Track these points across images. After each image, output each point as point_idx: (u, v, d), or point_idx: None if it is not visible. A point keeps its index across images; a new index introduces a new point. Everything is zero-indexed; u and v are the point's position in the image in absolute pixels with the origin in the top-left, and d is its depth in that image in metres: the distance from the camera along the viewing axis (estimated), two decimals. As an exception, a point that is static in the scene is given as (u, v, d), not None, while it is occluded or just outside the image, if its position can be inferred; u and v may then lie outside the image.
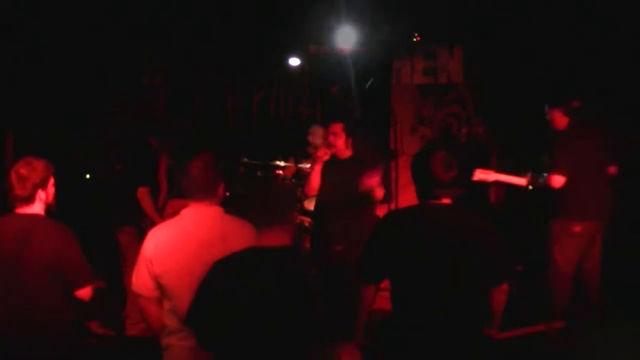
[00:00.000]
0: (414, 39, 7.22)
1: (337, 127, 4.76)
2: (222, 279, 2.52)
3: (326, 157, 4.73)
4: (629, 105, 5.94)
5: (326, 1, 6.44)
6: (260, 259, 2.53)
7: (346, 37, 6.72)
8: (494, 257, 2.99)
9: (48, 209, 3.33)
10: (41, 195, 3.26)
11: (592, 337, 4.70)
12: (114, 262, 5.55)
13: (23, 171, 3.22)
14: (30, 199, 3.24)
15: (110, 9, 6.26)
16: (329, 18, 6.58)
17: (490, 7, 6.39)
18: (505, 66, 6.79)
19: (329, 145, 4.75)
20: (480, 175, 4.81)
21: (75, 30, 6.31)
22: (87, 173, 7.16)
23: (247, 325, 2.44)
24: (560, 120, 4.89)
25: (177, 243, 2.93)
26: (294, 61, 7.56)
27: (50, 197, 3.33)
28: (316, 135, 6.43)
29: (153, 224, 4.82)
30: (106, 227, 5.47)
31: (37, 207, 3.26)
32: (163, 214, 5.35)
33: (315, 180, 4.79)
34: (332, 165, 4.77)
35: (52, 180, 3.33)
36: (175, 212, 3.11)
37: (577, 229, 4.80)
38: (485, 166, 5.04)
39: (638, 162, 5.51)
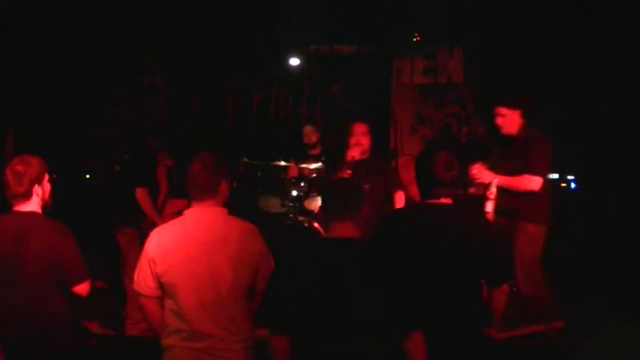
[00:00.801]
0: (414, 39, 7.22)
1: (364, 128, 4.98)
2: (297, 268, 2.66)
3: (357, 158, 4.88)
4: (628, 105, 5.95)
5: (326, 1, 6.45)
6: (332, 248, 2.68)
7: (346, 37, 6.72)
8: (493, 257, 2.99)
9: (45, 206, 3.34)
10: (38, 190, 3.27)
11: (592, 337, 4.71)
12: (114, 262, 5.56)
13: (19, 168, 3.23)
14: (27, 195, 3.24)
15: (110, 9, 6.25)
16: (329, 18, 6.58)
17: (490, 7, 6.39)
18: (505, 66, 6.79)
19: (357, 144, 4.89)
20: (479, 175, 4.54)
21: (75, 30, 6.31)
22: (87, 173, 7.17)
23: (321, 313, 2.56)
24: (517, 122, 4.65)
25: (180, 243, 2.93)
26: (294, 61, 7.56)
27: (47, 194, 3.34)
28: (310, 134, 6.47)
29: (153, 224, 4.82)
30: (106, 227, 5.47)
31: (34, 204, 3.27)
32: (163, 214, 5.35)
33: None
34: (358, 167, 4.90)
35: (47, 177, 3.34)
36: (175, 212, 3.11)
37: (544, 233, 4.67)
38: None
39: (638, 164, 5.53)
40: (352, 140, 4.96)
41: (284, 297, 2.62)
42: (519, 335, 4.73)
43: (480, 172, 4.48)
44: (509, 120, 4.63)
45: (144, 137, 5.58)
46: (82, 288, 3.29)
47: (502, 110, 4.62)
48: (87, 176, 7.17)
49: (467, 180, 4.51)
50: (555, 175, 6.98)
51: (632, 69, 5.88)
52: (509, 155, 4.61)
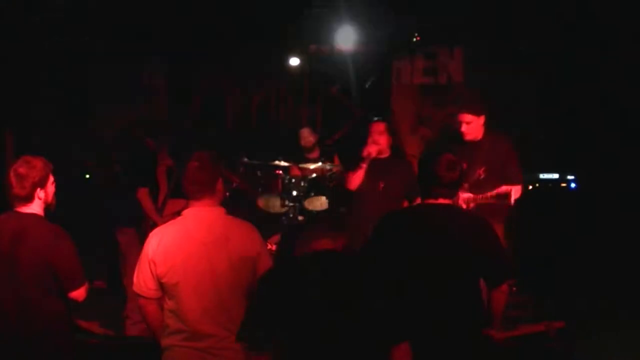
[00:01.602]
0: (414, 39, 7.21)
1: (382, 126, 5.01)
2: (282, 280, 2.58)
3: (374, 155, 4.91)
4: (629, 105, 5.95)
5: (326, 1, 6.44)
6: (318, 261, 2.57)
7: (346, 37, 6.71)
8: (492, 257, 2.99)
9: (48, 208, 3.32)
10: (40, 194, 3.25)
11: (592, 337, 4.71)
12: (114, 262, 5.56)
13: (22, 170, 3.21)
14: (29, 198, 3.23)
15: (111, 8, 6.25)
16: (329, 18, 6.58)
17: (490, 7, 6.39)
18: (505, 66, 6.79)
19: (374, 142, 4.93)
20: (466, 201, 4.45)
21: (75, 30, 6.31)
22: (87, 173, 7.17)
23: (305, 326, 2.47)
24: (482, 128, 4.64)
25: (180, 243, 2.93)
26: (294, 61, 7.55)
27: (50, 196, 3.31)
28: (306, 137, 6.48)
29: (154, 224, 4.83)
30: (106, 227, 5.47)
31: (35, 207, 3.25)
32: (163, 214, 5.35)
33: (359, 177, 4.93)
34: (374, 164, 4.92)
35: (51, 179, 3.31)
36: (175, 213, 3.11)
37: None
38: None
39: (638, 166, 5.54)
40: (370, 139, 4.99)
41: (267, 311, 2.55)
42: (519, 335, 4.74)
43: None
44: (474, 127, 4.60)
45: (144, 137, 5.58)
46: (79, 294, 3.27)
47: (467, 117, 4.59)
48: (87, 176, 7.17)
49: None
50: (556, 175, 6.98)
51: (632, 69, 5.88)
52: (475, 161, 4.54)
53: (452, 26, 6.84)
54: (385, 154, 5.04)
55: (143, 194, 5.22)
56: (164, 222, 3.29)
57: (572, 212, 6.47)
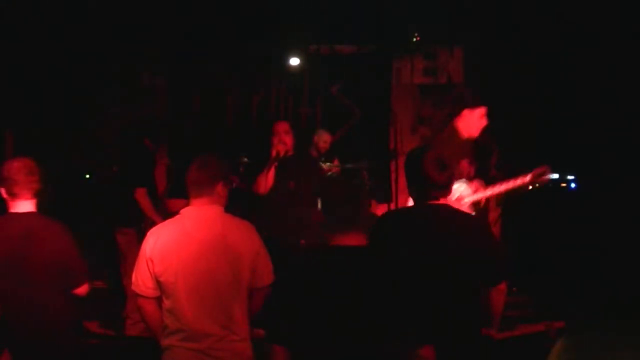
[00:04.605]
0: (414, 39, 7.21)
1: (287, 126, 5.10)
2: (303, 276, 2.59)
3: (282, 154, 4.94)
4: (628, 106, 5.94)
5: (326, 1, 6.44)
6: (340, 257, 2.58)
7: (346, 37, 6.71)
8: (490, 257, 2.99)
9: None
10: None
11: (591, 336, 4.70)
12: (114, 262, 5.56)
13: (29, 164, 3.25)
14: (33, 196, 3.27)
15: (111, 8, 6.26)
16: (329, 18, 6.58)
17: (491, 7, 6.39)
18: (505, 66, 6.79)
19: (280, 142, 4.97)
20: (468, 199, 4.46)
21: (75, 30, 6.31)
22: (86, 173, 7.17)
23: (324, 323, 2.47)
24: None
25: (178, 242, 2.94)
26: (294, 61, 7.55)
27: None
28: (321, 138, 6.48)
29: (153, 224, 4.82)
30: (106, 227, 5.47)
31: (33, 205, 3.28)
32: (162, 214, 5.34)
33: (270, 179, 4.96)
34: (282, 164, 4.96)
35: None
36: (175, 212, 3.11)
37: None
38: (486, 166, 4.97)
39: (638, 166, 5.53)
40: (276, 139, 5.01)
41: (288, 306, 2.56)
42: (519, 335, 4.74)
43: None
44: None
45: (142, 137, 5.57)
46: (83, 289, 3.32)
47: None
48: (87, 176, 7.17)
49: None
50: (555, 175, 6.97)
51: (632, 69, 5.87)
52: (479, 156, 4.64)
53: (452, 26, 6.84)
54: (290, 153, 5.05)
55: (142, 194, 5.22)
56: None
57: (572, 212, 6.46)
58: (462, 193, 4.40)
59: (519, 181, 4.35)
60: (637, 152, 5.86)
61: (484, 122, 4.62)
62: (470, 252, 2.92)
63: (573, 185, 7.30)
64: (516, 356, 4.63)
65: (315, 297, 2.50)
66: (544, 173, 4.22)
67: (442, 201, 3.00)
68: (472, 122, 4.60)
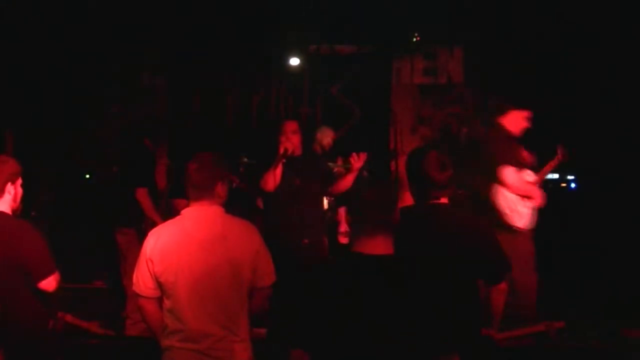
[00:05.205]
0: (414, 39, 7.21)
1: (295, 125, 5.08)
2: (329, 283, 2.44)
3: (289, 152, 4.90)
4: (628, 106, 5.95)
5: (326, 1, 6.44)
6: (368, 265, 2.44)
7: (346, 37, 6.72)
8: (488, 255, 2.99)
9: (14, 211, 3.36)
10: (10, 189, 3.30)
11: (591, 337, 4.71)
12: (114, 262, 5.56)
13: None
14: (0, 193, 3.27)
15: (111, 8, 6.26)
16: (329, 18, 6.58)
17: (491, 7, 6.39)
18: (505, 66, 6.79)
19: (288, 141, 4.93)
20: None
21: (75, 30, 6.31)
22: (86, 173, 7.17)
23: (352, 331, 2.35)
24: None
25: (178, 242, 2.93)
26: (294, 61, 7.55)
27: (18, 198, 3.36)
28: (325, 135, 6.48)
29: (153, 224, 4.82)
30: (106, 227, 5.47)
31: (4, 204, 3.29)
32: (163, 214, 5.34)
33: (278, 176, 4.91)
34: (288, 163, 4.93)
35: (20, 181, 3.36)
36: (175, 212, 3.11)
37: None
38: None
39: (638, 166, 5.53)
40: (283, 137, 4.99)
41: (307, 312, 2.43)
42: (519, 335, 4.74)
43: None
44: None
45: (142, 137, 5.57)
46: (49, 283, 3.29)
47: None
48: (87, 176, 7.17)
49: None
50: (556, 175, 6.98)
51: (632, 69, 5.88)
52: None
53: (452, 26, 6.84)
54: (298, 153, 5.03)
55: (142, 194, 5.22)
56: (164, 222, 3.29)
57: (572, 212, 6.47)
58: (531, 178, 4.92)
59: (554, 162, 5.01)
60: (637, 152, 5.86)
61: (526, 124, 4.96)
62: (470, 251, 2.92)
63: (573, 185, 7.31)
64: (516, 356, 4.62)
65: (341, 302, 2.39)
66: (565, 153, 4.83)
67: (442, 201, 3.00)
68: (517, 122, 4.94)
